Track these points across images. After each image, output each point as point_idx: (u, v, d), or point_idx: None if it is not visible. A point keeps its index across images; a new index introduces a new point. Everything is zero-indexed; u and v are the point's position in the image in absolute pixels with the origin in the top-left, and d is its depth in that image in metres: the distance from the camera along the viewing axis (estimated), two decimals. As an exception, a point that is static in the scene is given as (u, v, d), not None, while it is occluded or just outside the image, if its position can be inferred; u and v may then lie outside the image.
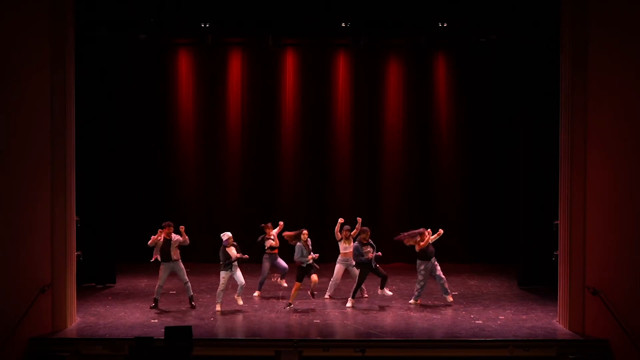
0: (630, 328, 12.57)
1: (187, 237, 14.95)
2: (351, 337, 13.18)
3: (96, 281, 17.11)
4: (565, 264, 13.62)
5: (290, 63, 19.71)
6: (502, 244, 19.41)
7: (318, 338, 13.02)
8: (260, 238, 15.83)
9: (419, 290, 15.21)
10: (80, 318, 14.17)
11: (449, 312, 14.76)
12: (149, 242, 14.93)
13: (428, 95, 19.81)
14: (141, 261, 18.64)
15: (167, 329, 11.37)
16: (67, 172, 13.63)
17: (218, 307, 14.75)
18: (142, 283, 17.33)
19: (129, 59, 19.13)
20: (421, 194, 19.88)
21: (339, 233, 15.55)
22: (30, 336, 12.91)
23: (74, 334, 13.30)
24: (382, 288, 15.12)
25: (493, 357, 12.69)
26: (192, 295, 15.04)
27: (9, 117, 12.99)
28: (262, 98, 19.84)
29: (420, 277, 15.12)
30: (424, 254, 15.09)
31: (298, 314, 14.53)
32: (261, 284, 16.04)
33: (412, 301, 15.24)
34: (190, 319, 14.04)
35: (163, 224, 14.96)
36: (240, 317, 14.41)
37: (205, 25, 16.86)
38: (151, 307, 14.89)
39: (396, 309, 14.97)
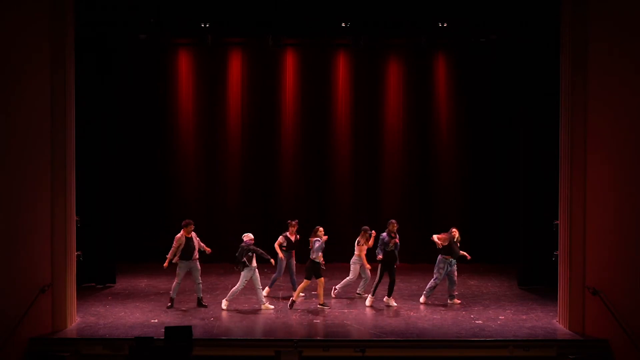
0: (630, 328, 12.57)
1: (206, 247, 15.08)
2: (351, 337, 13.19)
3: (96, 281, 17.10)
4: (565, 264, 13.62)
5: (290, 63, 19.70)
6: (502, 244, 19.40)
7: (318, 338, 13.03)
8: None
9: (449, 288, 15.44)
10: (80, 318, 14.16)
11: (449, 312, 14.76)
12: (175, 244, 14.78)
13: (428, 95, 19.80)
14: (141, 261, 18.75)
15: (167, 329, 11.37)
16: (67, 172, 13.63)
17: (224, 305, 14.84)
18: (142, 283, 17.32)
19: (129, 59, 19.10)
20: (421, 194, 19.88)
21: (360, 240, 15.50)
22: (30, 336, 12.91)
23: (74, 334, 13.31)
24: (389, 296, 15.17)
25: (493, 357, 12.70)
26: (201, 297, 15.04)
27: (9, 117, 12.98)
28: (262, 98, 19.83)
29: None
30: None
31: (298, 314, 14.53)
32: (273, 281, 16.01)
33: (451, 301, 15.34)
34: (191, 319, 14.04)
35: (183, 223, 14.91)
36: (240, 317, 14.41)
37: (205, 25, 16.86)
38: (168, 307, 14.85)
39: (396, 308, 14.97)
